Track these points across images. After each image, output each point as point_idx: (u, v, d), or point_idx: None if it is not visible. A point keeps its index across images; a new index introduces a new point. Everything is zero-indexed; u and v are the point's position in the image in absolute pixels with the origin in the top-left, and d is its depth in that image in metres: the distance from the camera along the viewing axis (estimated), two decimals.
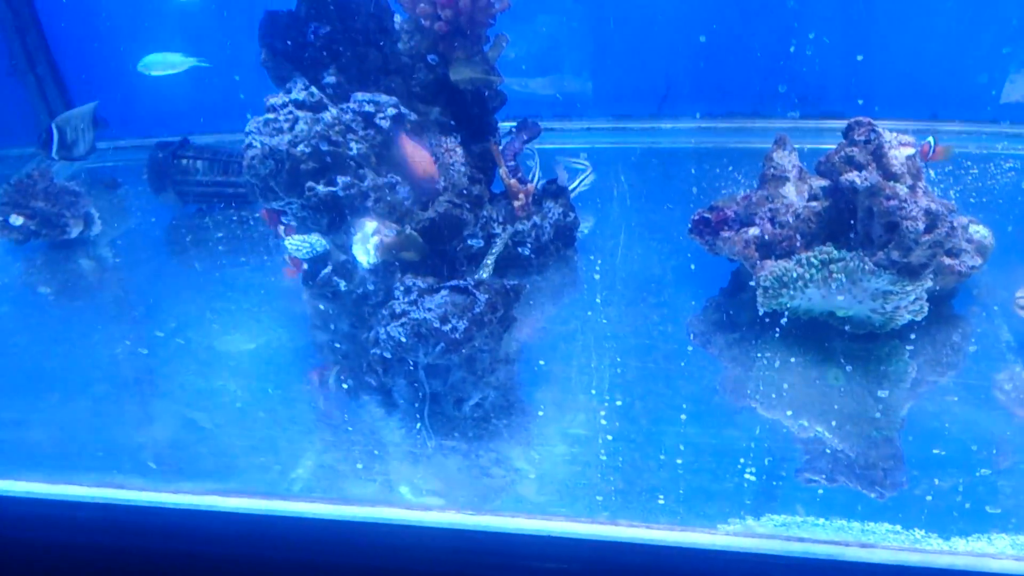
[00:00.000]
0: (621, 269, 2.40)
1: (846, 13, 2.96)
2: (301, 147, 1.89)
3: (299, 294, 2.28)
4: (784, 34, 2.99)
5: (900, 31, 2.94)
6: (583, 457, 1.76)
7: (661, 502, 1.65)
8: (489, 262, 2.04)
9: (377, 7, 2.19)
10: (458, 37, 2.28)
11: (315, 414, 1.94)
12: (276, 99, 2.00)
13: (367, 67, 2.18)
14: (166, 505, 1.71)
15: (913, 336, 2.01)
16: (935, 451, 1.73)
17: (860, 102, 2.91)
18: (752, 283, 2.07)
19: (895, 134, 2.03)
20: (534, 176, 2.49)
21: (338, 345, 2.11)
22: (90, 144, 2.84)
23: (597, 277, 2.38)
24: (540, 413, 1.87)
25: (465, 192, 1.94)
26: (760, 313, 2.05)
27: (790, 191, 2.16)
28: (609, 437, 1.81)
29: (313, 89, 2.02)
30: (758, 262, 2.07)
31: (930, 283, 1.94)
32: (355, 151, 1.96)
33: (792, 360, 1.99)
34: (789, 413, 1.85)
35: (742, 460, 1.73)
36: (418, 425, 1.83)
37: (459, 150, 2.26)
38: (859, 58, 2.95)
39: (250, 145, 1.91)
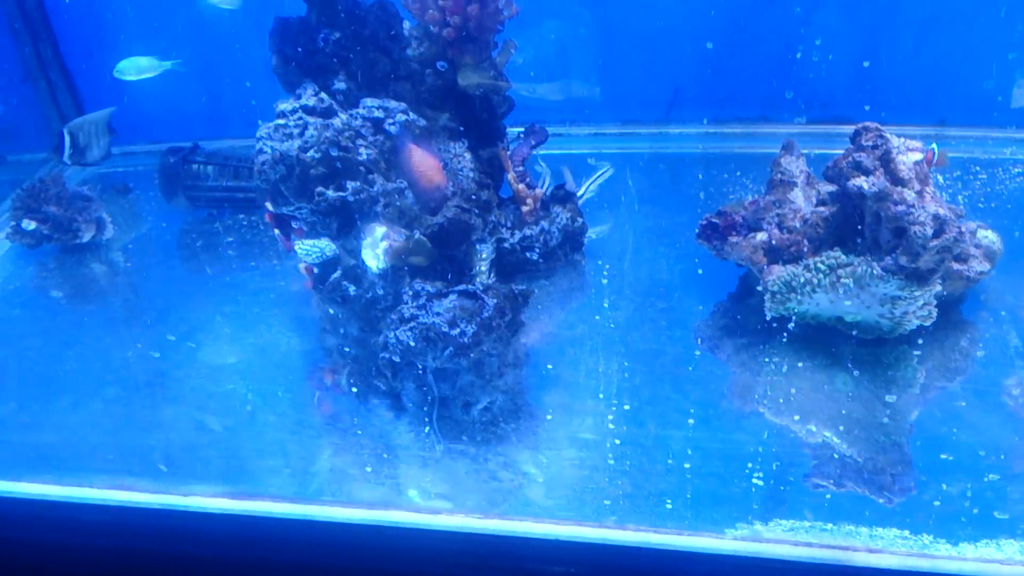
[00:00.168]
0: (629, 274, 2.41)
1: (854, 18, 2.96)
2: (311, 152, 1.91)
3: (309, 298, 2.29)
4: (792, 39, 3.00)
5: (908, 36, 2.94)
6: (591, 461, 1.77)
7: (669, 506, 1.65)
8: (483, 268, 2.05)
9: (386, 14, 2.20)
10: (467, 43, 2.30)
11: (324, 417, 1.95)
12: (286, 105, 2.02)
13: (376, 73, 2.20)
14: (176, 508, 1.72)
15: (921, 341, 2.01)
16: (943, 456, 1.73)
17: (867, 108, 2.92)
18: (760, 288, 2.08)
19: (903, 139, 2.03)
20: (544, 182, 2.50)
21: (347, 349, 2.12)
22: (105, 149, 2.87)
23: (605, 282, 2.39)
24: (548, 417, 1.88)
25: (474, 197, 1.95)
26: (768, 318, 2.06)
27: (798, 196, 2.17)
28: (617, 441, 1.81)
29: (323, 95, 2.03)
30: (766, 267, 2.08)
31: (939, 288, 1.94)
32: (364, 156, 1.97)
33: (800, 365, 2.00)
34: (797, 418, 1.85)
35: (750, 465, 1.73)
36: (427, 429, 1.83)
37: (468, 155, 2.27)
38: (865, 64, 2.95)
39: (261, 150, 1.92)
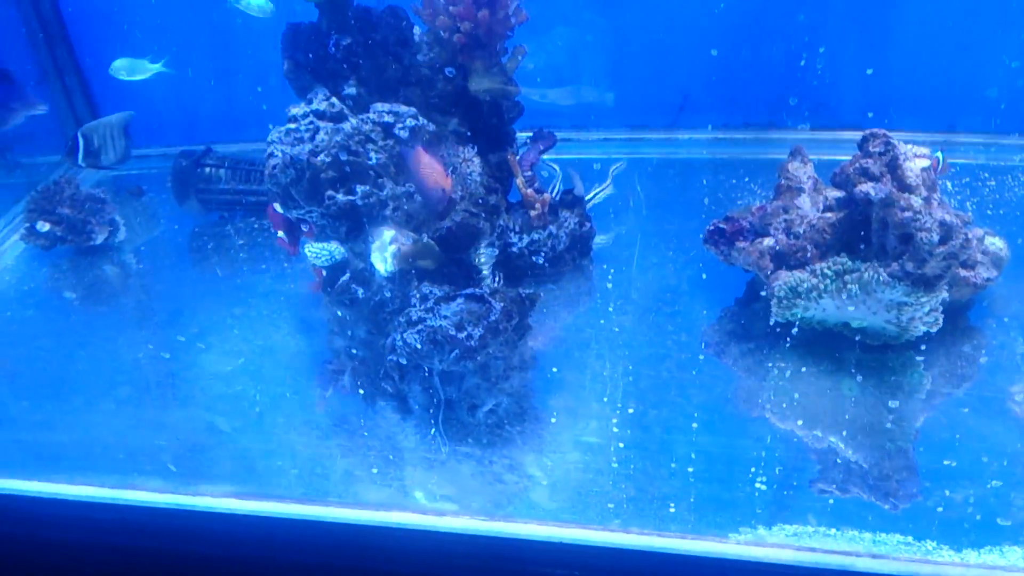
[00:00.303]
0: (636, 278, 2.42)
1: (862, 25, 2.96)
2: (321, 156, 1.93)
3: (318, 301, 2.32)
4: (800, 46, 3.00)
5: (916, 43, 2.94)
6: (595, 464, 1.78)
7: (672, 510, 1.66)
8: (485, 272, 2.07)
9: (397, 19, 2.22)
10: (476, 49, 2.31)
11: (332, 419, 1.97)
12: (297, 109, 2.04)
13: (387, 78, 2.22)
14: (185, 507, 1.74)
15: (928, 348, 2.01)
16: (947, 462, 1.73)
17: (870, 115, 2.92)
18: (766, 293, 2.08)
19: (910, 146, 2.03)
20: (555, 187, 2.51)
21: (355, 351, 2.14)
22: (121, 152, 2.90)
23: (612, 286, 2.40)
24: (553, 420, 1.89)
25: (481, 202, 1.96)
26: (774, 323, 2.06)
27: (805, 202, 2.17)
28: (621, 445, 1.82)
29: (334, 100, 2.05)
30: (772, 272, 2.08)
31: (945, 295, 1.95)
32: (374, 161, 1.99)
33: (806, 370, 2.00)
34: (802, 423, 1.85)
35: (754, 470, 1.74)
36: (432, 431, 1.85)
37: (476, 160, 2.28)
38: (868, 71, 2.95)
39: (272, 154, 1.94)
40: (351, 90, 2.13)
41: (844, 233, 2.04)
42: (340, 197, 1.93)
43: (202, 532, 1.75)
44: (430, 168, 1.97)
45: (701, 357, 2.08)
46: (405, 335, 1.85)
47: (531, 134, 2.55)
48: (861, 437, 1.80)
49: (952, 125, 3.02)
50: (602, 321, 2.24)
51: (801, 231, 2.09)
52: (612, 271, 2.47)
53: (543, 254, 2.37)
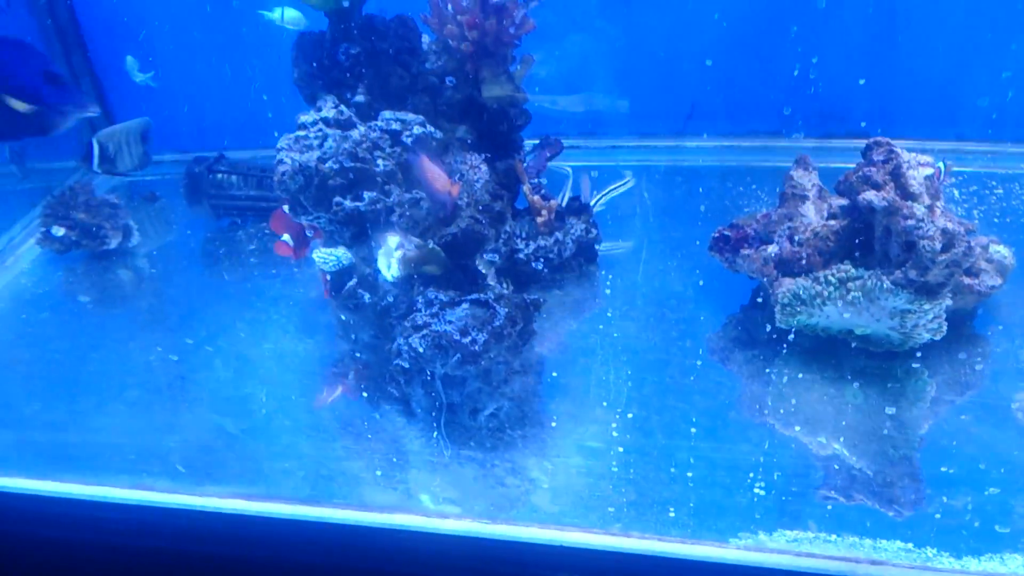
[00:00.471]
0: (642, 285, 2.43)
1: (870, 34, 2.97)
2: (329, 163, 1.96)
3: (326, 305, 2.34)
4: (808, 54, 3.01)
5: (925, 51, 2.95)
6: (597, 469, 1.79)
7: (673, 515, 1.67)
8: (492, 282, 2.09)
9: (405, 28, 2.25)
10: (484, 57, 2.34)
11: (338, 422, 1.99)
12: (307, 117, 2.07)
13: (395, 86, 2.25)
14: (193, 508, 1.77)
15: (932, 355, 2.01)
16: (949, 470, 1.74)
17: (862, 124, 2.92)
18: (770, 300, 2.09)
19: (914, 154, 2.04)
20: (564, 194, 2.53)
21: (361, 355, 2.17)
22: (138, 158, 2.94)
23: (617, 292, 2.41)
24: (553, 424, 1.91)
25: (486, 208, 1.99)
26: (778, 330, 2.07)
27: (809, 210, 2.18)
28: (623, 450, 1.83)
29: (342, 107, 2.08)
30: (776, 279, 2.09)
31: (948, 302, 1.95)
32: (382, 167, 2.02)
33: (809, 377, 2.01)
34: (804, 430, 1.86)
35: (756, 475, 1.75)
36: (434, 434, 1.87)
37: (483, 167, 2.31)
38: (861, 82, 2.96)
39: (281, 161, 1.98)
40: (359, 98, 2.16)
41: (848, 241, 2.05)
42: (347, 203, 1.96)
43: (210, 532, 1.77)
44: (437, 175, 1.99)
45: (704, 363, 2.09)
46: (410, 339, 1.88)
47: (538, 141, 2.57)
48: (863, 444, 1.80)
49: (960, 134, 3.02)
50: (606, 327, 2.25)
51: (805, 238, 2.10)
52: (618, 277, 2.48)
53: (542, 260, 2.38)
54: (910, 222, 1.88)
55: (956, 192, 2.73)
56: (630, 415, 1.92)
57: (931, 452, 1.79)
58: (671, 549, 1.60)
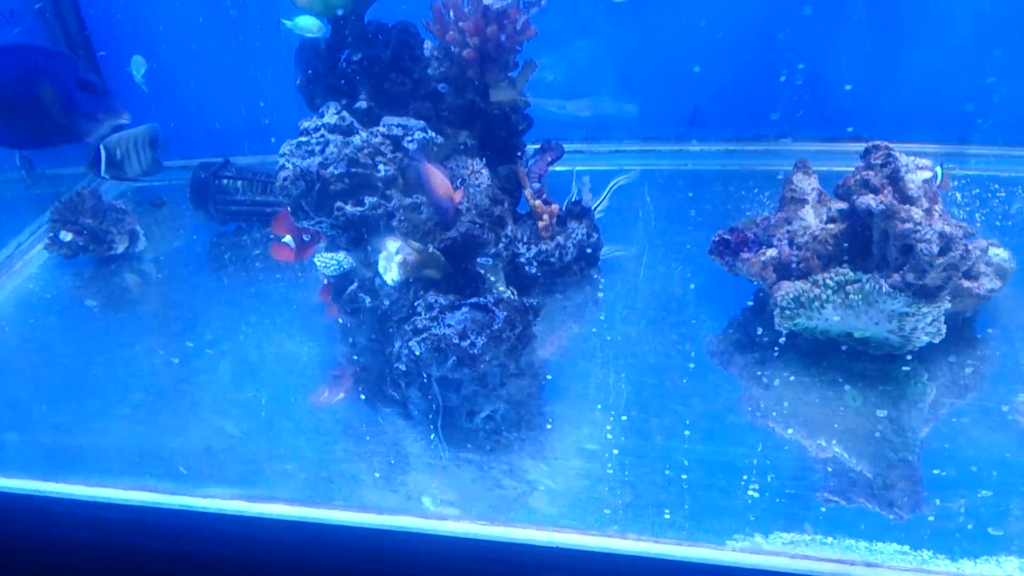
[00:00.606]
0: (643, 289, 2.44)
1: (875, 38, 2.97)
2: (331, 169, 1.98)
3: (329, 309, 2.37)
4: (813, 58, 3.02)
5: (928, 54, 2.95)
6: (594, 471, 1.80)
7: (670, 517, 1.68)
8: (501, 287, 2.11)
9: (407, 35, 2.28)
10: (486, 63, 2.36)
11: (339, 425, 2.01)
12: (309, 123, 2.10)
13: (397, 92, 2.27)
14: (194, 509, 1.79)
15: (932, 358, 2.02)
16: (947, 473, 1.74)
17: (869, 127, 2.92)
18: (770, 303, 2.10)
19: (912, 158, 2.04)
20: (572, 196, 2.54)
21: (363, 359, 2.19)
22: (147, 164, 2.97)
23: (618, 296, 2.42)
24: (548, 426, 1.92)
25: (486, 213, 2.01)
26: (778, 333, 2.08)
27: (808, 213, 2.19)
28: (620, 452, 1.84)
29: (344, 113, 2.11)
30: (775, 283, 2.10)
31: (947, 305, 1.95)
32: (383, 173, 2.04)
33: (808, 380, 2.01)
34: (803, 432, 1.87)
35: (753, 478, 1.75)
36: (432, 436, 1.89)
37: (485, 172, 2.33)
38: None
39: (283, 167, 2.00)
40: (361, 104, 2.18)
41: (846, 244, 2.06)
42: (348, 208, 1.98)
43: (211, 533, 1.80)
44: (440, 182, 2.01)
45: (703, 366, 2.10)
46: (409, 343, 1.89)
47: (538, 145, 2.59)
48: (861, 446, 1.81)
49: (964, 137, 3.02)
50: (607, 330, 2.26)
51: (804, 242, 2.11)
52: (619, 281, 2.49)
53: (536, 264, 2.40)
54: (907, 225, 1.89)
55: (959, 195, 2.73)
56: (627, 418, 1.94)
57: (929, 455, 1.80)
58: (667, 551, 1.61)
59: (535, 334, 2.07)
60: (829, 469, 1.77)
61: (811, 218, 2.18)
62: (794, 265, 2.09)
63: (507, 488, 1.77)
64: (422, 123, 2.15)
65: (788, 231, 2.15)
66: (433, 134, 2.16)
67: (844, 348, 2.06)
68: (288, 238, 2.28)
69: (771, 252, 2.15)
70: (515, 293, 2.22)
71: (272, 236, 2.35)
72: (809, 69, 3.04)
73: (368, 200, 2.00)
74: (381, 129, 2.12)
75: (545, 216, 2.46)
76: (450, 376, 1.86)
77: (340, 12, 2.17)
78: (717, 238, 2.30)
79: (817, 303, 2.00)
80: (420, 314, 1.95)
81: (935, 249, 1.86)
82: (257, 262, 2.77)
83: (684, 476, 1.77)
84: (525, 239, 2.44)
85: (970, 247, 1.92)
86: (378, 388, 2.05)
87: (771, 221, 2.22)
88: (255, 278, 2.69)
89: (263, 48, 3.16)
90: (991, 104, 2.93)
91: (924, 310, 1.92)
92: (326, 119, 2.09)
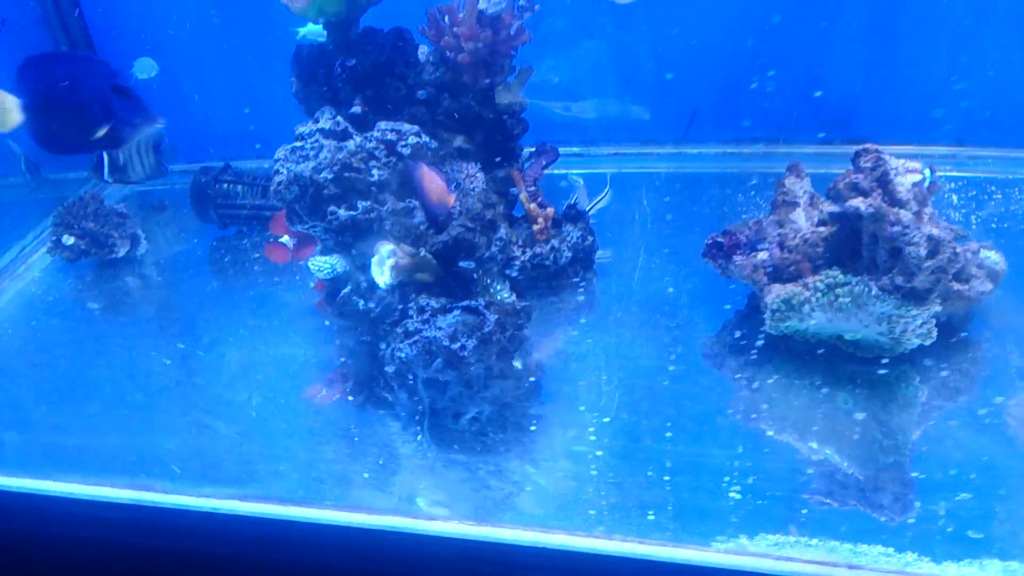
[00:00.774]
0: (638, 291, 2.45)
1: (872, 39, 2.98)
2: (324, 173, 2.01)
3: (324, 312, 2.39)
4: (811, 61, 3.02)
5: (926, 56, 2.95)
6: (581, 472, 1.82)
7: (656, 518, 1.69)
8: (505, 293, 2.13)
9: (402, 41, 2.30)
10: (481, 68, 2.39)
11: (332, 427, 2.04)
12: (304, 128, 2.13)
13: (391, 97, 2.30)
14: (188, 508, 1.82)
15: (923, 360, 2.02)
16: (935, 475, 1.74)
17: (867, 130, 2.92)
18: (761, 306, 2.11)
19: (902, 161, 2.05)
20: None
21: (355, 361, 2.21)
22: (151, 168, 3.00)
23: (612, 299, 2.43)
24: (532, 427, 1.94)
25: (478, 217, 2.03)
26: (771, 335, 2.08)
27: (800, 216, 2.20)
28: (609, 454, 1.86)
29: (339, 119, 2.13)
30: (766, 285, 2.11)
31: (937, 308, 1.96)
32: (376, 177, 2.07)
33: (799, 382, 2.02)
34: (792, 435, 1.88)
35: (741, 479, 1.76)
36: (419, 437, 1.92)
37: (480, 176, 2.35)
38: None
39: (277, 171, 2.03)
40: (356, 109, 2.21)
41: (836, 247, 2.06)
42: (341, 212, 2.01)
43: (204, 531, 1.82)
44: (433, 185, 2.02)
45: (695, 369, 2.11)
46: (401, 345, 1.92)
47: (533, 149, 2.60)
48: (848, 449, 1.81)
49: (961, 139, 3.01)
50: (599, 333, 2.28)
51: (794, 245, 2.11)
52: (614, 284, 2.51)
53: (546, 267, 2.41)
54: (896, 228, 1.89)
55: (955, 197, 2.73)
56: (616, 420, 1.95)
57: (916, 457, 1.80)
58: (653, 552, 1.62)
59: (527, 336, 2.09)
60: (817, 471, 1.78)
61: (802, 221, 2.19)
62: (785, 268, 2.09)
63: (494, 488, 1.79)
64: (416, 128, 2.18)
65: (779, 234, 2.16)
66: (427, 139, 2.18)
67: (836, 351, 2.06)
68: (286, 239, 2.31)
69: (762, 255, 2.16)
70: (514, 296, 2.24)
71: (270, 237, 2.37)
72: (808, 71, 3.05)
73: (361, 204, 2.03)
74: (375, 134, 2.15)
75: (540, 219, 2.48)
76: (440, 378, 1.88)
77: (334, 19, 2.20)
78: (710, 241, 2.31)
79: (807, 306, 2.01)
80: (412, 317, 1.97)
81: (923, 252, 1.87)
82: (256, 265, 2.80)
83: (671, 478, 1.78)
84: (520, 242, 2.45)
85: (959, 250, 1.93)
86: (371, 390, 2.08)
87: (763, 224, 2.23)
88: (254, 281, 2.72)
89: (263, 52, 3.19)
90: (988, 106, 2.94)
91: (914, 313, 1.93)
92: (321, 124, 2.13)
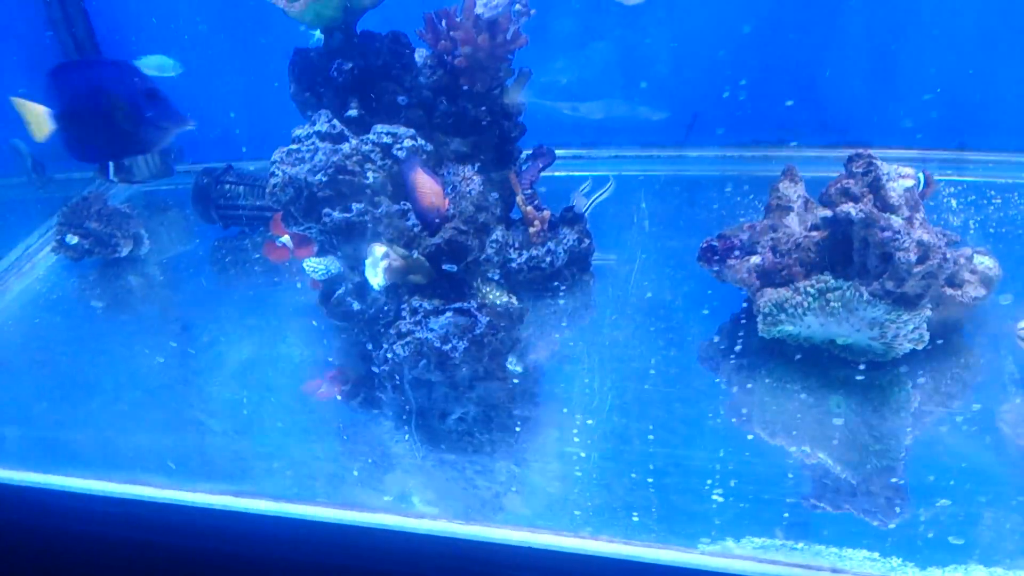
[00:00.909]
0: (634, 294, 2.46)
1: (873, 43, 2.98)
2: (319, 176, 2.03)
3: (320, 313, 2.42)
4: (811, 64, 3.03)
5: (927, 60, 2.94)
6: (570, 473, 1.83)
7: (643, 520, 1.70)
8: (497, 293, 2.14)
9: (399, 45, 2.32)
10: (477, 72, 2.40)
11: (326, 425, 2.07)
12: (301, 131, 2.15)
13: (388, 100, 2.31)
14: (183, 503, 1.85)
15: (915, 365, 2.02)
16: (922, 480, 1.75)
17: (867, 134, 2.92)
18: (753, 310, 2.12)
19: (895, 166, 2.05)
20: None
21: (350, 362, 2.24)
22: (156, 168, 3.05)
23: (607, 302, 2.45)
24: (522, 429, 1.95)
25: (471, 220, 2.05)
26: (764, 340, 2.09)
27: (793, 221, 2.20)
28: (599, 455, 1.87)
29: (335, 121, 2.16)
30: (759, 290, 2.12)
31: (928, 313, 1.96)
32: (371, 180, 2.09)
33: (792, 387, 2.03)
34: (781, 438, 1.88)
35: (730, 483, 1.77)
36: (407, 436, 1.94)
37: (476, 179, 2.36)
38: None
39: (273, 173, 2.06)
40: (352, 112, 2.23)
41: (828, 252, 2.07)
42: (336, 214, 2.03)
43: (198, 527, 1.85)
44: (427, 188, 2.04)
45: (688, 372, 2.12)
46: (394, 346, 1.94)
47: (530, 151, 2.62)
48: (838, 453, 1.82)
49: (962, 143, 3.01)
50: (594, 335, 2.29)
51: (787, 249, 2.12)
52: (610, 287, 2.52)
53: (542, 270, 2.43)
54: (886, 234, 1.90)
55: (954, 202, 2.73)
56: (608, 422, 1.96)
57: (906, 462, 1.81)
58: (637, 553, 1.63)
59: (520, 338, 2.10)
60: (805, 475, 1.78)
61: (796, 225, 2.19)
62: (777, 272, 2.10)
63: (481, 488, 1.81)
64: (411, 131, 2.20)
65: (772, 238, 2.17)
66: (423, 142, 2.20)
67: (830, 355, 2.07)
68: (286, 238, 2.34)
69: (755, 259, 2.16)
70: (512, 297, 2.25)
71: (270, 236, 2.40)
72: (808, 74, 3.05)
73: (355, 207, 2.05)
74: (371, 137, 2.17)
75: (536, 222, 2.49)
76: (433, 379, 1.90)
77: (331, 23, 2.22)
78: (705, 244, 2.32)
79: (799, 310, 2.02)
80: (405, 318, 1.99)
81: (913, 258, 1.87)
82: (257, 265, 2.83)
83: (660, 480, 1.80)
84: (516, 244, 2.47)
85: (950, 255, 1.93)
86: (365, 390, 2.10)
87: (756, 228, 2.23)
88: (254, 282, 2.75)
89: (274, 54, 3.22)
90: (990, 110, 2.93)
91: (905, 318, 1.93)
92: (317, 127, 2.15)
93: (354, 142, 2.12)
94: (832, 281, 1.99)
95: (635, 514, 1.71)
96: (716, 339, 2.24)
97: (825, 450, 1.83)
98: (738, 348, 2.17)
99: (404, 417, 1.99)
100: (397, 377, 1.96)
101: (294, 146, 2.12)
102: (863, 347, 2.03)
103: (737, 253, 2.24)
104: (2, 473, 1.99)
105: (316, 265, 2.08)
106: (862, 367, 2.01)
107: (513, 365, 2.10)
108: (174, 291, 2.81)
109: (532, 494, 1.80)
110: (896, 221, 1.92)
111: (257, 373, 2.27)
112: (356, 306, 2.09)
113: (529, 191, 2.54)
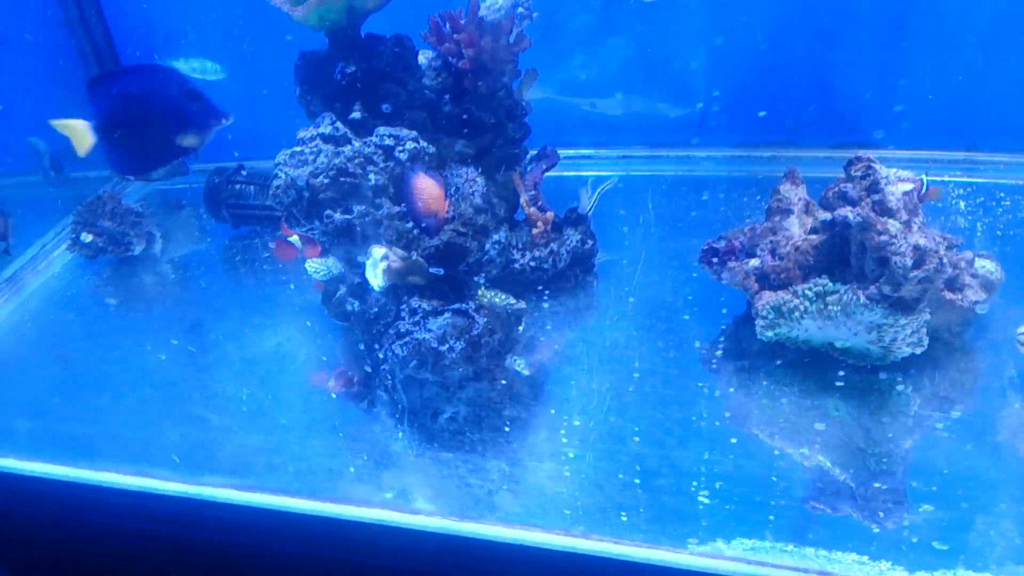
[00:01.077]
0: (636, 295, 2.47)
1: (881, 43, 2.96)
2: (321, 178, 2.07)
3: (324, 312, 2.46)
4: (820, 65, 3.01)
5: (936, 61, 2.92)
6: (564, 473, 1.85)
7: (634, 520, 1.72)
8: (497, 294, 2.17)
9: (402, 48, 2.35)
10: (481, 73, 2.43)
11: (326, 423, 2.11)
12: (305, 133, 2.18)
13: (392, 102, 2.34)
14: (188, 495, 1.90)
15: (914, 369, 2.02)
16: (916, 485, 1.75)
17: (877, 135, 2.90)
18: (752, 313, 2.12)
19: (894, 169, 2.05)
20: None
21: (350, 361, 2.27)
22: (172, 166, 3.09)
23: (609, 303, 2.46)
24: (521, 430, 1.98)
25: (470, 222, 2.07)
26: (764, 343, 2.09)
27: (793, 224, 2.20)
28: (595, 456, 1.89)
29: (338, 124, 2.19)
30: (758, 292, 2.12)
31: (927, 316, 1.96)
32: (373, 181, 2.12)
33: (790, 390, 2.03)
34: (777, 441, 1.89)
35: (722, 484, 1.79)
36: (400, 434, 1.97)
37: (479, 180, 2.38)
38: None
39: (276, 175, 2.10)
40: (355, 115, 2.26)
41: (826, 255, 2.07)
42: (337, 216, 2.06)
43: (203, 518, 1.90)
44: (426, 192, 2.05)
45: (688, 374, 2.12)
46: (393, 347, 1.97)
47: (535, 152, 2.64)
48: (833, 456, 1.83)
49: (973, 144, 2.98)
50: (595, 336, 2.30)
51: (786, 252, 2.12)
52: (613, 288, 2.53)
53: (545, 271, 2.45)
54: (883, 238, 1.90)
55: (963, 203, 2.71)
56: (605, 423, 1.98)
57: (900, 467, 1.81)
58: (627, 552, 1.65)
59: (519, 339, 2.13)
60: (797, 477, 1.79)
61: (795, 228, 2.20)
62: (776, 275, 2.10)
63: (474, 487, 1.83)
64: (413, 133, 2.22)
65: (772, 241, 2.17)
66: (425, 144, 2.23)
67: (829, 358, 2.07)
68: (295, 237, 2.38)
69: (754, 262, 2.17)
70: (512, 298, 2.27)
71: (279, 235, 2.44)
72: (817, 75, 3.03)
73: (356, 208, 2.08)
74: (374, 139, 2.20)
75: (539, 223, 2.51)
76: (426, 378, 1.93)
77: (335, 26, 2.26)
78: (706, 247, 2.32)
79: (797, 313, 2.02)
80: (404, 319, 2.02)
81: (909, 262, 1.87)
82: (266, 264, 2.87)
83: (653, 481, 1.81)
84: (520, 245, 2.49)
85: (946, 260, 1.92)
86: (365, 389, 2.14)
87: (756, 230, 2.24)
88: (263, 280, 2.80)
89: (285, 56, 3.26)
90: (1000, 111, 2.90)
91: (902, 322, 1.93)
92: (321, 129, 2.18)
93: (356, 144, 2.15)
94: (830, 284, 2.00)
95: (623, 514, 1.73)
96: (717, 341, 2.25)
97: (819, 453, 1.84)
98: (738, 350, 2.18)
99: (396, 415, 2.02)
100: (395, 376, 1.99)
101: (297, 148, 2.16)
102: (861, 351, 2.03)
103: (737, 255, 2.25)
104: (16, 464, 2.06)
105: (317, 266, 2.12)
106: (875, 369, 2.01)
107: (521, 368, 2.11)
108: (184, 289, 2.87)
109: (525, 494, 1.82)
110: (893, 225, 1.91)
111: (263, 371, 2.32)
112: (357, 306, 2.12)
113: (533, 192, 2.56)
